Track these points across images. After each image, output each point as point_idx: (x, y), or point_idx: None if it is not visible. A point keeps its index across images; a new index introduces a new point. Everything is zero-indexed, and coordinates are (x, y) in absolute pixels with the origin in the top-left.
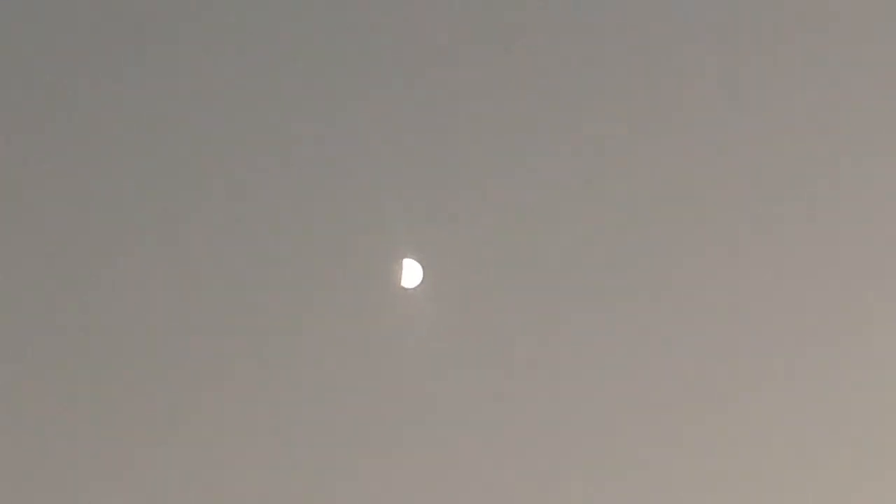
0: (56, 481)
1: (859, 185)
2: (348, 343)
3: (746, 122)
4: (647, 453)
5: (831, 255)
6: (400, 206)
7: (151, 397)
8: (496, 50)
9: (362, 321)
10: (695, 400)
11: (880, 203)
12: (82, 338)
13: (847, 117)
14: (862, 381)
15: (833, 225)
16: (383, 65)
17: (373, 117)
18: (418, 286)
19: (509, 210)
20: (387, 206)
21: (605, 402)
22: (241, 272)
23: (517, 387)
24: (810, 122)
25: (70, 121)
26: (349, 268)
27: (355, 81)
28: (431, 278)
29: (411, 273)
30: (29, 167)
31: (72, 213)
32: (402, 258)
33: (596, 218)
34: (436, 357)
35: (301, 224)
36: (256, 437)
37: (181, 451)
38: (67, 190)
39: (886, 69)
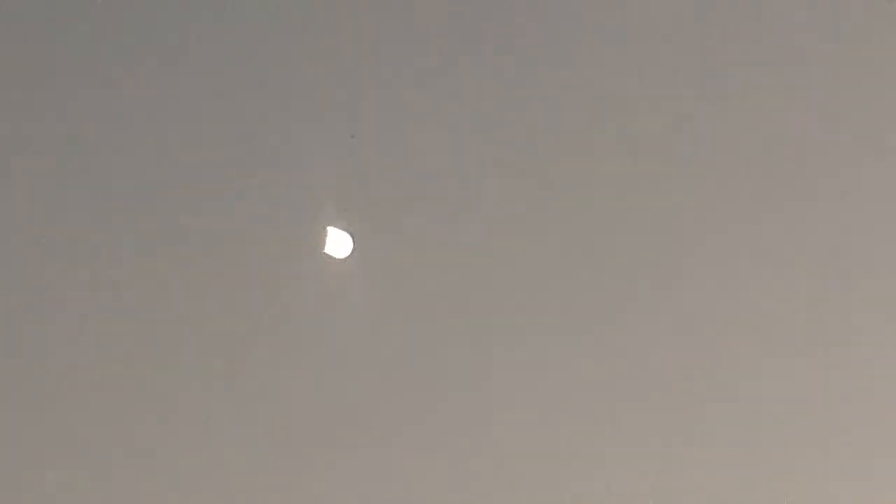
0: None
1: (859, 187)
2: (276, 316)
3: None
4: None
5: (830, 257)
6: (330, 175)
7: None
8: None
9: (291, 294)
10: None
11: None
12: None
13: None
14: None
15: (832, 228)
16: (300, 36)
17: (297, 81)
18: (348, 257)
19: (445, 179)
20: (315, 176)
21: (550, 371)
22: (164, 245)
23: (453, 359)
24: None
25: None
26: (277, 239)
27: (275, 45)
28: (361, 249)
29: (341, 243)
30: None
31: None
32: (331, 228)
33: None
34: (367, 330)
35: (227, 194)
36: (184, 414)
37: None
38: None
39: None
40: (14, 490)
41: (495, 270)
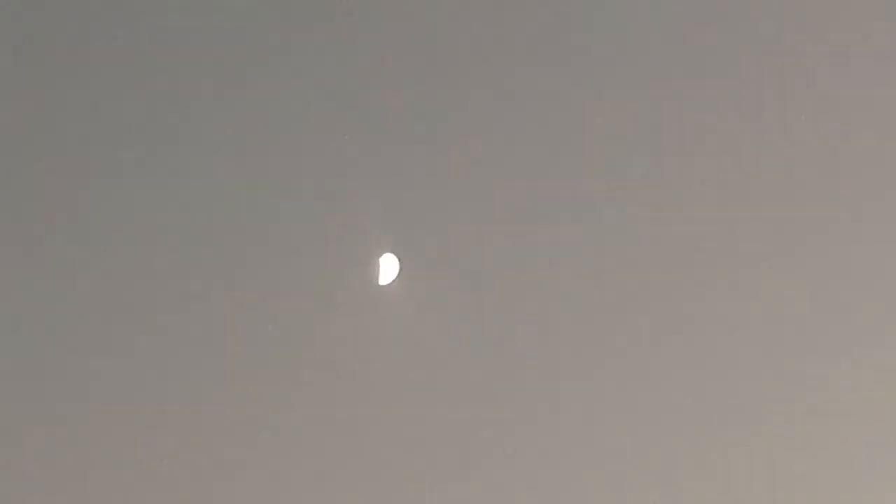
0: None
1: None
2: (326, 341)
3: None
4: (650, 460)
5: (835, 262)
6: (377, 201)
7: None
8: (478, 53)
9: (340, 318)
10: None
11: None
12: None
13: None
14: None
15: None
16: (361, 59)
17: (345, 112)
18: (395, 281)
19: (490, 206)
20: (363, 202)
21: (596, 398)
22: (217, 271)
23: (499, 385)
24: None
25: None
26: (325, 265)
27: (331, 77)
28: (408, 274)
29: (388, 269)
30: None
31: None
32: (380, 254)
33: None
34: (415, 355)
35: (276, 220)
36: (234, 436)
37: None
38: None
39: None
40: None
41: (541, 288)
